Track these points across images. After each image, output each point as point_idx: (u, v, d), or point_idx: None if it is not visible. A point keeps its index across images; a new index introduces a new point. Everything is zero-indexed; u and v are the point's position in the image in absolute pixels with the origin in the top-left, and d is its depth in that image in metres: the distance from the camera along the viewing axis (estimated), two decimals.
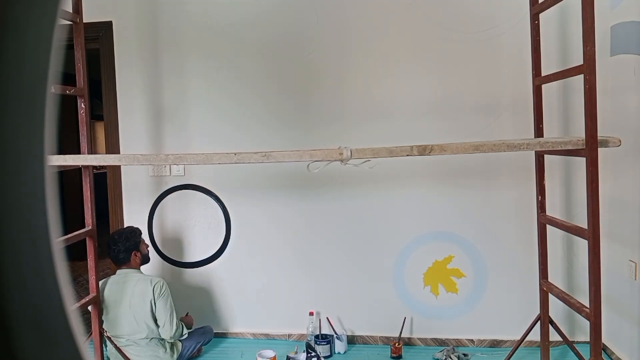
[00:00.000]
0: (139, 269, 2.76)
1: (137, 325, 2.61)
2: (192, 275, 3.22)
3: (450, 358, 2.81)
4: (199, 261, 3.21)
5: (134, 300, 2.62)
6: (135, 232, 2.78)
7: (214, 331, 3.11)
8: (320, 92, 3.02)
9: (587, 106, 1.97)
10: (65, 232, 2.35)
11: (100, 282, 2.71)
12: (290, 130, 3.04)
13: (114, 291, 2.68)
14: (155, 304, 2.63)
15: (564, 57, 2.79)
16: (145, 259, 2.83)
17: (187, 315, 3.01)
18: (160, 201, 3.20)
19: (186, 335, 2.78)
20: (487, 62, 2.89)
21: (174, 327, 2.66)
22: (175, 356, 2.73)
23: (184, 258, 3.23)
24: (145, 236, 2.91)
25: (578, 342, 2.73)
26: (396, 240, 3.03)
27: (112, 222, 3.25)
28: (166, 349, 2.70)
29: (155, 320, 2.64)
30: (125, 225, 3.21)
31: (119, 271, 2.73)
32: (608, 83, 2.63)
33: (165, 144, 3.16)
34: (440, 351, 2.88)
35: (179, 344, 2.78)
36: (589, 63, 1.95)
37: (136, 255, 2.73)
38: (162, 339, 2.68)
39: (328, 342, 2.95)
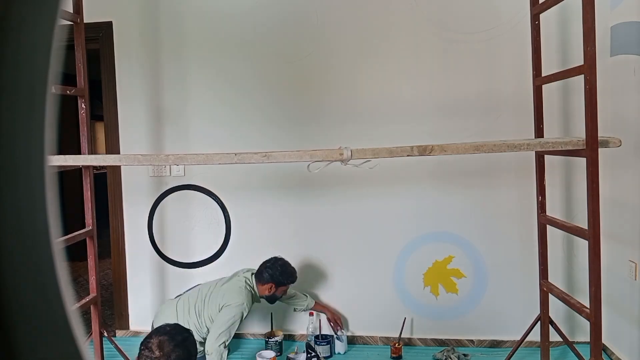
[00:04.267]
0: (256, 291, 2.72)
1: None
2: (191, 275, 3.22)
3: (450, 358, 2.80)
4: (198, 261, 3.21)
5: (215, 295, 2.68)
6: (292, 275, 2.74)
7: None
8: (320, 92, 3.02)
9: (588, 106, 1.97)
10: (65, 233, 2.35)
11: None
12: (291, 130, 3.04)
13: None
14: (220, 309, 2.61)
15: (564, 57, 2.79)
16: (272, 299, 2.77)
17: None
18: (160, 201, 3.20)
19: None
20: (488, 63, 2.89)
21: (217, 344, 2.51)
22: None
23: (183, 258, 3.22)
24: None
25: (578, 343, 2.73)
26: (396, 240, 3.03)
27: (112, 223, 3.25)
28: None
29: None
30: (125, 225, 3.22)
31: (244, 270, 2.82)
32: (608, 83, 2.63)
33: (166, 144, 3.16)
34: (440, 351, 2.88)
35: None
36: (589, 63, 1.95)
37: (270, 289, 2.69)
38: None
39: (328, 343, 2.94)
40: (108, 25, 3.14)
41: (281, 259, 2.76)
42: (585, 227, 2.03)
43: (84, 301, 2.52)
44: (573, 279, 2.90)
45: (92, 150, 2.62)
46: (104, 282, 4.14)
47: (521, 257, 2.92)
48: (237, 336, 3.19)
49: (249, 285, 2.72)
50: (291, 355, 2.87)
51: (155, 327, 2.22)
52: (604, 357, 2.38)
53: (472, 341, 3.01)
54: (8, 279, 0.30)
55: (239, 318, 2.60)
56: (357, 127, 2.97)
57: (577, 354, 2.40)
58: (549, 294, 2.49)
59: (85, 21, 2.57)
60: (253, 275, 2.77)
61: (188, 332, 2.00)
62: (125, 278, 3.26)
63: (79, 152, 2.57)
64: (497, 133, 2.83)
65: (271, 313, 3.09)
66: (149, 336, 1.91)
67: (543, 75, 2.45)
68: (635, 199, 2.52)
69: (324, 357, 2.87)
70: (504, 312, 2.97)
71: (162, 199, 3.20)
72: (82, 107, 2.55)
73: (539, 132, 2.48)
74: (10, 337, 0.30)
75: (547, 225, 2.49)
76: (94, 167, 2.70)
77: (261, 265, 2.75)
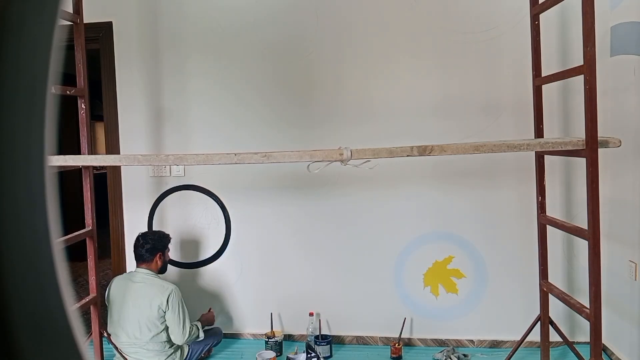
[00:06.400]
0: (156, 273, 2.72)
1: (139, 327, 2.60)
2: (191, 275, 3.22)
3: (450, 359, 2.80)
4: (198, 262, 3.21)
5: (140, 301, 2.60)
6: (166, 236, 2.80)
7: None
8: (320, 92, 3.02)
9: (587, 107, 1.97)
10: (65, 233, 2.35)
11: (110, 282, 2.79)
12: (290, 131, 3.04)
13: (120, 289, 2.69)
14: (165, 312, 2.62)
15: (564, 57, 2.79)
16: (165, 267, 2.81)
17: (209, 311, 3.02)
18: (160, 201, 3.20)
19: (202, 338, 2.78)
20: (488, 63, 2.89)
21: (186, 335, 2.64)
22: (179, 357, 2.71)
23: (183, 258, 3.22)
24: (171, 245, 2.91)
25: (578, 343, 2.73)
26: (396, 240, 3.03)
27: (112, 223, 3.25)
28: (172, 345, 2.69)
29: (162, 326, 2.63)
30: (125, 225, 3.22)
31: (134, 270, 2.73)
32: (608, 83, 2.63)
33: (165, 144, 3.16)
34: (440, 352, 2.88)
35: (185, 347, 2.77)
36: (589, 63, 1.95)
37: (160, 258, 2.72)
38: (167, 339, 2.67)
39: (328, 343, 2.95)
40: (108, 26, 3.14)
41: (142, 234, 2.77)
42: (585, 227, 2.03)
43: (84, 301, 2.52)
44: (573, 279, 2.90)
45: (92, 151, 2.62)
46: (104, 282, 4.14)
47: (521, 257, 2.91)
48: (237, 336, 3.19)
49: (149, 275, 2.68)
50: (291, 355, 2.87)
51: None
52: (604, 357, 2.38)
53: (472, 341, 3.01)
54: (8, 279, 0.30)
55: (180, 298, 2.63)
56: (357, 127, 2.97)
57: (577, 354, 2.40)
58: (549, 294, 2.49)
59: (85, 21, 2.57)
60: (138, 269, 2.71)
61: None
62: None
63: (79, 152, 2.56)
64: (497, 133, 2.83)
65: (271, 313, 3.09)
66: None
67: (543, 75, 2.45)
68: (635, 199, 2.52)
69: (324, 357, 2.87)
70: (504, 312, 2.97)
71: (162, 199, 3.20)
72: (82, 107, 2.55)
73: (539, 132, 2.48)
74: (10, 338, 0.30)
75: (547, 226, 2.49)
76: (94, 167, 2.70)
77: (135, 252, 2.72)
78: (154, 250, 2.70)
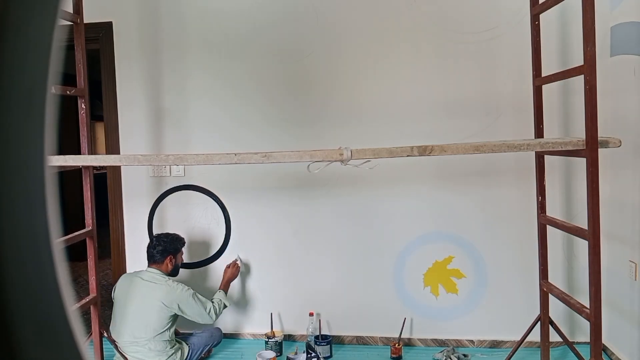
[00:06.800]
0: (166, 274, 2.71)
1: (144, 326, 2.59)
2: (191, 276, 3.22)
3: (450, 359, 2.80)
4: (198, 262, 3.21)
5: (147, 300, 2.60)
6: (180, 239, 2.81)
7: None
8: (319, 93, 3.02)
9: (588, 107, 1.97)
10: (65, 233, 2.35)
11: (118, 280, 2.82)
12: (290, 130, 3.04)
13: (127, 287, 2.69)
14: (182, 312, 2.63)
15: (564, 57, 2.79)
16: (176, 270, 2.80)
17: (232, 265, 2.96)
18: (160, 201, 3.20)
19: (229, 305, 2.82)
20: (488, 63, 2.89)
21: (213, 316, 2.68)
22: (180, 358, 2.71)
23: (184, 259, 3.22)
24: (185, 249, 2.90)
25: (578, 343, 2.73)
26: (396, 240, 3.03)
27: (112, 223, 3.25)
28: (173, 346, 2.69)
29: (166, 326, 2.63)
30: (125, 225, 3.22)
31: (145, 269, 2.73)
32: (608, 83, 2.63)
33: (165, 144, 3.16)
34: (441, 352, 2.88)
35: (185, 348, 2.77)
36: (589, 63, 1.95)
37: (170, 261, 2.73)
38: (169, 339, 2.67)
39: (328, 343, 2.95)
40: (108, 26, 3.14)
41: (157, 235, 2.80)
42: (585, 227, 2.03)
43: (84, 301, 2.52)
44: (573, 279, 2.90)
45: (92, 151, 2.62)
46: (104, 282, 4.14)
47: (521, 258, 2.91)
48: (237, 336, 3.19)
49: (158, 275, 2.68)
50: (291, 355, 2.87)
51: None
52: (604, 357, 2.38)
53: (472, 341, 3.01)
54: (8, 279, 0.30)
55: (190, 293, 2.64)
56: (357, 127, 2.96)
57: (577, 354, 2.40)
58: (549, 294, 2.49)
59: (85, 21, 2.57)
60: (149, 268, 2.72)
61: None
62: None
63: (79, 152, 2.56)
64: (497, 133, 2.83)
65: (271, 313, 3.09)
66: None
67: (543, 75, 2.45)
68: (635, 199, 2.52)
69: (324, 357, 2.87)
70: (504, 312, 2.97)
71: (162, 199, 3.20)
72: (82, 107, 2.55)
73: (539, 132, 2.48)
74: (10, 338, 0.30)
75: (547, 226, 2.49)
76: (94, 167, 2.70)
77: (147, 252, 2.74)
78: (164, 253, 2.71)
